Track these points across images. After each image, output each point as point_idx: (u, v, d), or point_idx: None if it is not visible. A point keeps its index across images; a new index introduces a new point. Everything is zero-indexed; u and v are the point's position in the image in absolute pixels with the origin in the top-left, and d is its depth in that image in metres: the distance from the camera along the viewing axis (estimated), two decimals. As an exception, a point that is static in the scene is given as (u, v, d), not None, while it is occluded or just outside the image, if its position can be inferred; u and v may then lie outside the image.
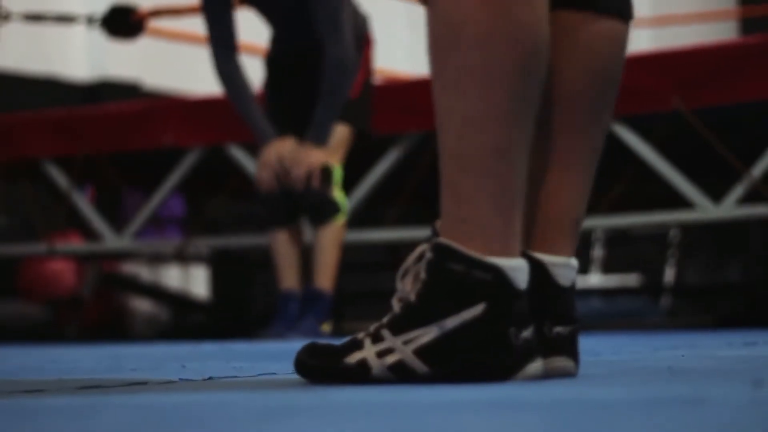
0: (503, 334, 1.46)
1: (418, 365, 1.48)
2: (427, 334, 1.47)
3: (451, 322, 1.46)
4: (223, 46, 4.21)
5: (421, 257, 1.51)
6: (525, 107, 1.46)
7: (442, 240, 1.48)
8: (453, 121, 1.47)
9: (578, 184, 1.60)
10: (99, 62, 8.15)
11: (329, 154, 4.22)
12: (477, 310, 1.46)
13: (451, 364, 1.47)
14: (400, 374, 1.49)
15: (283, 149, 4.22)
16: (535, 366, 1.49)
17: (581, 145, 1.59)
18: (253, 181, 4.35)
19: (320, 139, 4.19)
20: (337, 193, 4.25)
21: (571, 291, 1.59)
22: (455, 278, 1.47)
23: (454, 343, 1.46)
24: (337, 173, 4.25)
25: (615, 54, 1.59)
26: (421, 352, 1.47)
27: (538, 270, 1.56)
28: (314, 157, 4.18)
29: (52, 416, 1.22)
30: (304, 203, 4.23)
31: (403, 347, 1.49)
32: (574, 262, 1.59)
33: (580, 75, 1.57)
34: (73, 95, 7.94)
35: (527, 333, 1.48)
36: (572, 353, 1.59)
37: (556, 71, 1.57)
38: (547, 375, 1.53)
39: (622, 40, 1.60)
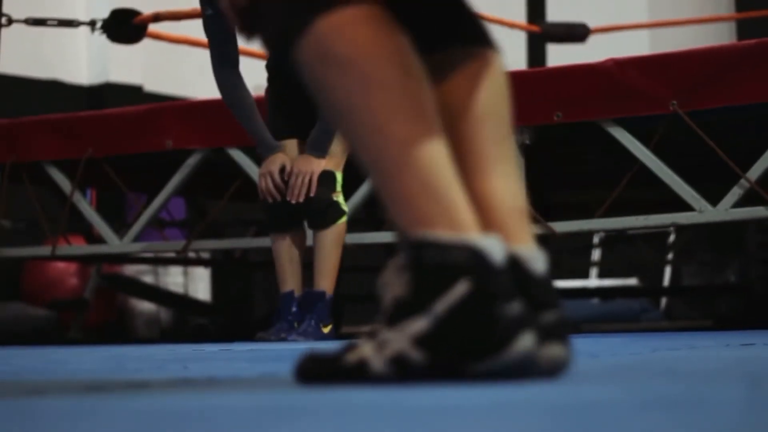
0: (490, 307, 1.48)
1: (416, 354, 1.49)
2: (419, 322, 1.50)
3: (440, 306, 1.49)
4: (226, 62, 4.24)
5: (398, 263, 1.53)
6: (415, 96, 1.54)
7: (411, 236, 1.52)
8: (362, 132, 1.54)
9: (509, 180, 1.68)
10: (101, 68, 8.16)
11: (331, 158, 4.25)
12: (460, 288, 1.48)
13: (446, 347, 1.49)
14: (400, 367, 1.50)
15: (285, 160, 4.25)
16: (527, 337, 1.50)
17: (498, 153, 1.69)
18: (257, 186, 4.37)
19: (322, 150, 4.22)
20: (339, 197, 4.28)
21: (548, 277, 1.62)
22: (435, 264, 1.50)
23: (446, 326, 1.48)
24: (339, 178, 4.27)
25: (496, 70, 1.72)
26: (417, 341, 1.49)
27: (510, 260, 1.58)
28: (316, 165, 4.21)
29: (55, 417, 1.23)
30: (306, 209, 4.25)
31: (399, 337, 1.50)
32: (539, 249, 1.64)
33: (476, 95, 1.70)
34: (76, 99, 7.94)
35: (514, 306, 1.50)
36: (563, 338, 1.59)
37: (456, 104, 1.68)
38: (541, 361, 1.54)
39: (495, 59, 1.73)
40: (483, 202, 1.63)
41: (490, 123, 1.70)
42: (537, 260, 1.61)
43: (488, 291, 1.49)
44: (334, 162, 4.27)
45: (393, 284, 1.53)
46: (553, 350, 1.57)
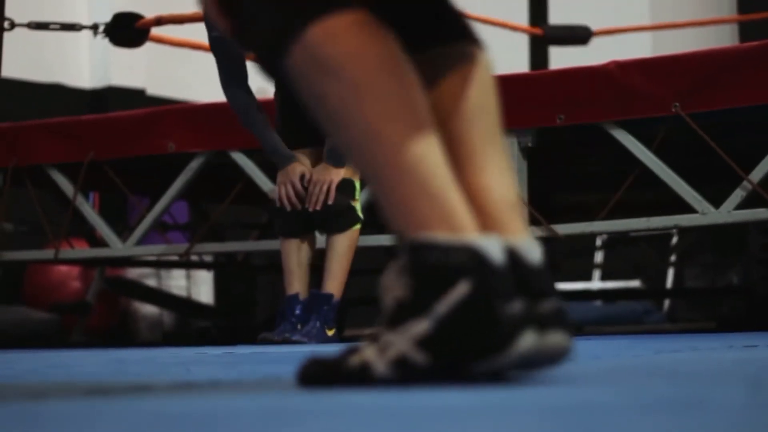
0: (490, 308, 1.49)
1: (418, 356, 1.50)
2: (421, 324, 1.50)
3: (441, 307, 1.49)
4: (235, 81, 4.27)
5: (398, 266, 1.54)
6: (408, 100, 1.55)
7: (410, 239, 1.52)
8: (358, 138, 1.55)
9: (501, 174, 1.69)
10: (104, 71, 8.17)
11: (349, 166, 4.28)
12: (461, 289, 1.49)
13: (449, 349, 1.49)
14: (403, 369, 1.50)
15: (304, 169, 4.29)
16: (529, 337, 1.50)
17: (489, 148, 1.70)
18: (274, 193, 4.39)
19: (340, 161, 4.27)
20: (357, 204, 4.31)
21: (543, 266, 1.62)
22: (436, 266, 1.50)
23: (448, 327, 1.49)
24: (357, 186, 4.31)
25: (483, 66, 1.73)
26: (419, 342, 1.50)
27: (507, 254, 1.58)
28: (335, 175, 4.25)
29: (58, 420, 1.23)
30: (322, 215, 4.28)
31: (401, 339, 1.51)
32: (533, 239, 1.65)
33: (465, 91, 1.71)
34: (78, 102, 7.95)
35: (515, 306, 1.50)
36: (563, 326, 1.60)
37: (446, 97, 1.70)
38: (542, 351, 1.54)
39: (481, 54, 1.73)
40: (477, 197, 1.65)
41: (480, 119, 1.71)
42: (532, 250, 1.62)
43: (489, 291, 1.49)
44: (352, 170, 4.30)
45: (393, 287, 1.54)
46: (554, 338, 1.58)
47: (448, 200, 1.53)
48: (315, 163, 4.39)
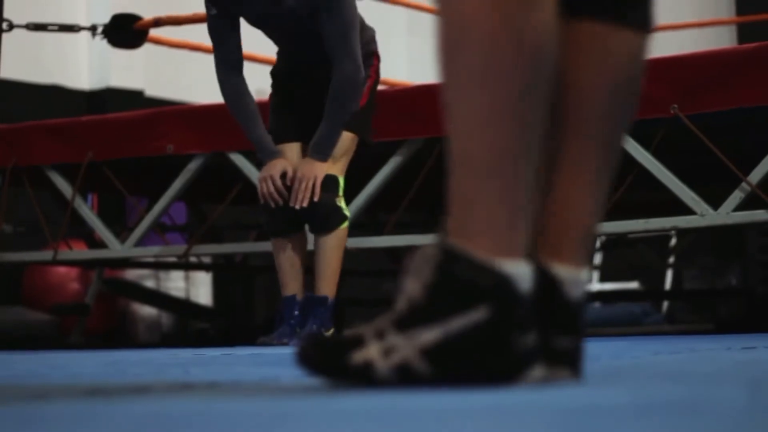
0: (506, 338, 1.46)
1: (422, 366, 1.48)
2: (431, 333, 1.48)
3: (456, 323, 1.46)
4: (229, 66, 4.25)
5: (428, 257, 1.50)
6: (532, 108, 1.47)
7: (450, 242, 1.49)
8: (460, 122, 1.48)
9: (590, 193, 1.58)
10: (102, 73, 8.16)
11: (333, 162, 4.25)
12: (481, 313, 1.46)
13: (454, 366, 1.47)
14: (404, 375, 1.49)
15: (285, 164, 4.25)
16: (537, 372, 1.49)
17: (593, 154, 1.58)
18: (257, 190, 4.38)
19: (324, 154, 4.22)
20: (342, 202, 4.28)
21: (580, 303, 1.57)
22: (461, 281, 1.47)
23: (457, 345, 1.46)
24: (342, 182, 4.28)
25: (633, 66, 1.59)
26: (425, 352, 1.48)
27: (547, 279, 1.55)
28: (319, 170, 4.21)
29: (57, 421, 1.23)
30: (308, 213, 4.25)
31: (407, 345, 1.48)
32: (584, 274, 1.58)
33: (597, 85, 1.57)
34: (77, 104, 7.95)
35: (530, 338, 1.48)
36: (575, 367, 1.57)
37: (572, 80, 1.57)
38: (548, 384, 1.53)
39: (641, 53, 1.59)
40: (551, 209, 1.58)
41: (601, 124, 1.58)
42: (575, 285, 1.56)
43: (507, 322, 1.46)
44: (337, 167, 4.27)
45: (416, 275, 1.50)
46: (562, 374, 1.55)
47: (510, 223, 1.47)
48: (304, 157, 4.36)
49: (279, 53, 4.43)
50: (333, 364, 1.53)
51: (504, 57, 1.45)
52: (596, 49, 1.57)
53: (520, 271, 1.48)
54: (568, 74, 1.57)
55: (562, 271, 1.56)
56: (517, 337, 1.47)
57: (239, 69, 4.26)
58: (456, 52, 1.47)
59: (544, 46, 1.47)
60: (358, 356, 1.52)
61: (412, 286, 1.51)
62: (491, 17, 1.45)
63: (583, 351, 1.59)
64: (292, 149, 4.36)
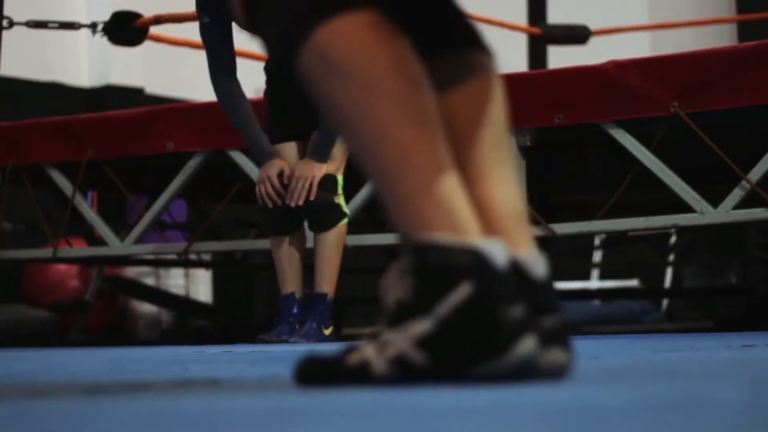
0: (492, 311, 1.48)
1: (418, 356, 1.50)
2: (422, 324, 1.50)
3: (443, 308, 1.49)
4: (222, 72, 4.25)
5: (400, 267, 1.53)
6: (417, 102, 1.55)
7: (413, 239, 1.52)
8: (366, 139, 1.55)
9: (507, 184, 1.69)
10: (102, 70, 8.16)
11: (332, 161, 4.26)
12: (463, 291, 1.49)
13: (448, 350, 1.49)
14: (401, 368, 1.50)
15: (283, 165, 4.26)
16: (529, 341, 1.50)
17: (496, 158, 1.69)
18: (255, 191, 4.38)
19: (323, 155, 4.24)
20: (341, 200, 4.29)
21: (548, 280, 1.62)
22: (438, 267, 1.50)
23: (448, 328, 1.49)
24: (340, 180, 4.29)
25: (489, 79, 1.71)
26: (419, 342, 1.50)
27: (510, 264, 1.57)
28: (317, 170, 4.23)
29: (57, 419, 1.23)
30: (306, 211, 4.26)
31: (401, 338, 1.51)
32: (538, 252, 1.64)
33: (471, 105, 1.70)
34: (77, 101, 7.95)
35: (517, 309, 1.50)
36: (564, 343, 1.59)
37: (454, 111, 1.68)
38: (541, 366, 1.53)
39: (488, 68, 1.72)
40: (483, 208, 1.64)
41: (488, 129, 1.70)
42: (537, 264, 1.61)
43: (491, 294, 1.49)
44: (335, 165, 4.28)
45: (395, 287, 1.54)
46: (555, 355, 1.57)
47: (453, 203, 1.53)
48: (302, 157, 4.37)
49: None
50: (330, 371, 1.55)
51: (381, 82, 1.55)
52: (460, 77, 1.71)
53: (492, 247, 1.51)
54: (450, 103, 1.69)
55: (520, 254, 1.61)
56: (503, 308, 1.49)
57: (233, 73, 4.27)
58: (342, 90, 1.56)
59: (412, 62, 1.58)
60: (354, 357, 1.54)
61: (395, 293, 1.53)
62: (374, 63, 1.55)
63: (568, 327, 1.61)
64: (289, 148, 4.37)
